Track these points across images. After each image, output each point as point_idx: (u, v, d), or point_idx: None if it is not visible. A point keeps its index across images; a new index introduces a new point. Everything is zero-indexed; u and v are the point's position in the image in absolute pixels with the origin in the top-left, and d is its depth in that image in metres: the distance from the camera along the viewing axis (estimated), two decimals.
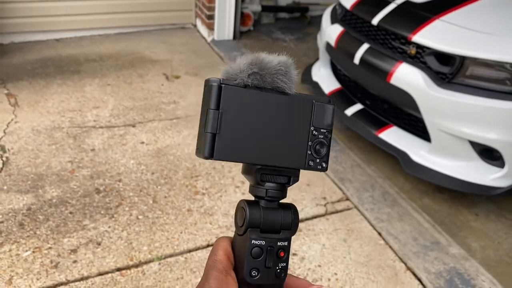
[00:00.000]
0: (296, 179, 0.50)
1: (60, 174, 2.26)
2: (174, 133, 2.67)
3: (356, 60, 2.42)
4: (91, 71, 3.40)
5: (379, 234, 2.06)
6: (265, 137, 0.47)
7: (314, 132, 0.49)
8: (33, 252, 1.81)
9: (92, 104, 2.94)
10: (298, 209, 2.32)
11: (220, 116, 0.45)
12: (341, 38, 2.61)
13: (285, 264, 0.48)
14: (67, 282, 1.69)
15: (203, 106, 0.46)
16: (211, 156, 0.45)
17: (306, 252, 1.92)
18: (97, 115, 2.81)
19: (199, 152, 0.46)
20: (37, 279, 1.68)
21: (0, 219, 1.96)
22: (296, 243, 1.96)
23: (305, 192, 2.26)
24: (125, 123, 2.75)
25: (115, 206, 2.08)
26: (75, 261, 1.78)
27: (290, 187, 0.53)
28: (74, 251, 1.83)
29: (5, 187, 2.14)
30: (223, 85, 0.45)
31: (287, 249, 0.48)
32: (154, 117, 2.84)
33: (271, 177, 0.48)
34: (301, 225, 2.06)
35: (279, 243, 0.48)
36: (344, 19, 2.72)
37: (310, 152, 0.49)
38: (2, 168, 2.28)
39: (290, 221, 0.49)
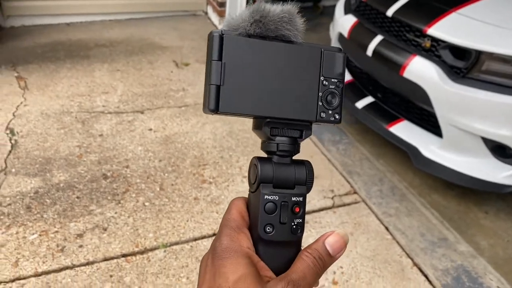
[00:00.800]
0: (309, 132, 0.48)
1: (68, 159, 2.25)
2: (183, 121, 2.66)
3: (369, 52, 2.38)
4: (101, 56, 3.39)
5: (387, 228, 2.04)
6: (273, 88, 0.45)
7: (324, 82, 0.47)
8: (40, 235, 1.81)
9: (101, 89, 2.93)
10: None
11: (223, 67, 0.43)
12: (354, 29, 2.57)
13: (301, 220, 0.47)
14: (73, 267, 1.69)
15: (207, 60, 0.45)
16: (216, 108, 0.43)
17: None
18: (106, 101, 2.81)
19: (204, 107, 0.45)
20: (43, 262, 1.69)
21: (8, 201, 1.96)
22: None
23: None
24: (133, 109, 2.74)
25: (122, 192, 2.07)
26: (81, 246, 1.78)
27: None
28: (80, 235, 1.83)
29: (13, 170, 2.15)
30: (224, 35, 0.43)
31: (302, 204, 0.47)
32: (163, 104, 2.83)
33: (282, 130, 0.47)
34: (307, 217, 2.04)
35: (293, 198, 0.46)
36: (358, 9, 2.67)
37: (321, 103, 0.47)
38: (10, 151, 2.28)
39: (304, 176, 0.47)
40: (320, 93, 0.47)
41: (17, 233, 1.81)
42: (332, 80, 0.47)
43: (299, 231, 0.47)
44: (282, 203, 0.46)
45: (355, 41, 2.54)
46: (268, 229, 0.45)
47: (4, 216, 1.88)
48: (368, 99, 2.56)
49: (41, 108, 2.66)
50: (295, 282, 0.43)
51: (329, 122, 0.47)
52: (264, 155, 0.49)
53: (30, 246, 1.75)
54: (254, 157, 0.48)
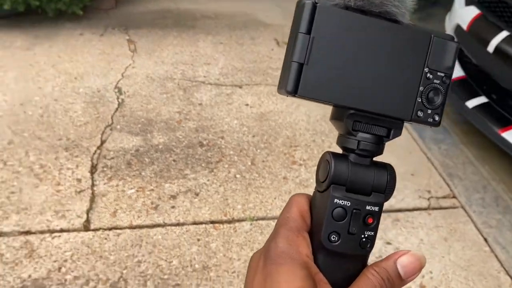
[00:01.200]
0: (398, 132, 0.41)
1: (168, 123, 2.34)
2: (278, 100, 2.65)
3: (490, 48, 2.18)
4: (206, 28, 3.46)
5: (485, 240, 1.89)
6: (365, 75, 0.38)
7: (428, 74, 0.40)
8: (137, 191, 1.91)
9: (203, 60, 3.00)
10: (399, 198, 2.23)
11: (311, 42, 0.37)
12: (475, 21, 2.36)
13: (372, 233, 0.40)
14: (164, 225, 1.76)
15: (292, 31, 0.38)
16: (295, 91, 0.38)
17: (401, 244, 1.82)
18: (207, 72, 2.87)
19: (280, 86, 0.39)
20: (138, 217, 1.78)
21: (112, 155, 2.09)
22: (392, 232, 1.87)
23: (408, 182, 2.13)
24: (232, 83, 2.78)
25: (215, 161, 2.12)
26: (173, 207, 1.85)
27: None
28: (173, 197, 1.90)
29: (118, 126, 2.28)
30: (318, 4, 0.37)
31: (377, 215, 0.40)
32: (261, 81, 2.83)
33: (367, 126, 0.40)
34: (399, 215, 1.95)
35: (368, 207, 0.40)
36: (482, 1, 2.45)
37: (420, 100, 0.40)
38: (117, 109, 2.42)
39: (385, 182, 0.40)
40: (421, 88, 0.40)
41: (117, 185, 1.92)
42: (438, 73, 0.40)
43: (368, 245, 0.40)
44: (354, 210, 0.40)
45: (475, 35, 2.34)
46: (333, 237, 0.39)
47: (107, 168, 2.00)
48: (481, 99, 2.36)
49: (147, 72, 2.79)
50: None
51: (425, 123, 0.40)
52: (339, 151, 0.42)
53: (128, 200, 1.85)
54: (327, 152, 0.41)
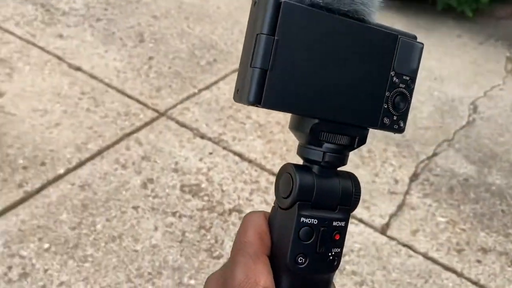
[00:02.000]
0: (363, 140, 0.37)
1: None
2: None
3: None
4: None
5: None
6: (332, 80, 0.34)
7: (394, 78, 0.36)
8: (447, 222, 1.70)
9: None
10: None
11: (275, 44, 0.31)
12: None
13: (339, 250, 0.36)
14: (461, 275, 1.52)
15: (250, 31, 0.32)
16: (258, 101, 0.32)
17: None
18: None
19: (239, 95, 0.33)
20: (436, 249, 1.59)
21: (438, 172, 1.92)
22: None
23: None
24: None
25: None
26: (478, 261, 1.57)
27: None
28: (484, 250, 1.61)
29: (457, 145, 2.07)
30: (283, 1, 0.31)
31: (344, 230, 0.37)
32: None
33: (332, 136, 0.35)
34: None
35: (335, 223, 0.36)
36: None
37: (386, 106, 0.36)
38: (464, 126, 2.19)
39: (351, 194, 0.36)
40: (387, 93, 0.36)
41: (429, 205, 1.76)
42: (404, 77, 0.37)
43: (335, 263, 0.37)
44: (322, 228, 0.35)
45: None
46: (300, 259, 0.35)
47: (427, 183, 1.86)
48: None
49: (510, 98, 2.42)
50: None
51: (391, 130, 0.37)
52: (299, 161, 0.37)
53: (434, 226, 1.68)
54: (289, 164, 0.36)
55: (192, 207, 1.57)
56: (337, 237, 0.37)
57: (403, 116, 0.38)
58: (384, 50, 0.36)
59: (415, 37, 0.38)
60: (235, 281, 0.35)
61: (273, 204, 0.38)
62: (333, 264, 0.37)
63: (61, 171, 1.63)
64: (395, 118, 0.37)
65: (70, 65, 2.15)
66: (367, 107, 0.36)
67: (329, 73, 0.34)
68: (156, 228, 1.49)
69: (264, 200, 1.65)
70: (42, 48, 2.24)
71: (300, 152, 0.38)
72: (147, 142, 1.79)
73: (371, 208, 1.71)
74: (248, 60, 0.32)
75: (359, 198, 0.38)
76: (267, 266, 0.36)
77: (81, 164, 1.67)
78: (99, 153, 1.72)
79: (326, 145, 0.36)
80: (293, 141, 1.94)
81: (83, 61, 2.18)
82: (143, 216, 1.52)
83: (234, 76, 2.19)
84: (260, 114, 2.01)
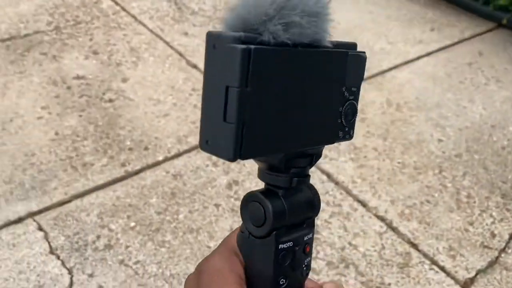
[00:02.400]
0: (319, 156, 0.38)
1: None
2: None
3: None
4: None
5: None
6: (297, 116, 0.34)
7: (345, 93, 0.37)
8: None
9: None
10: None
11: (249, 96, 0.29)
12: None
13: (309, 258, 0.39)
14: None
15: (210, 78, 0.30)
16: (238, 156, 0.30)
17: None
18: None
19: (212, 149, 0.31)
20: None
21: None
22: None
23: None
24: None
25: None
26: None
27: None
28: None
29: None
30: (252, 48, 0.28)
31: (311, 241, 0.39)
32: None
33: (297, 161, 0.36)
34: None
35: (305, 238, 0.38)
36: None
37: (340, 121, 0.37)
38: None
39: (315, 206, 0.39)
40: (341, 108, 0.37)
41: None
42: (352, 89, 0.37)
43: (308, 271, 0.39)
44: (296, 248, 0.37)
45: None
46: (282, 281, 0.37)
47: None
48: None
49: None
50: None
51: (343, 140, 0.38)
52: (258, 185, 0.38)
53: None
54: (255, 192, 0.37)
55: None
56: (308, 249, 0.39)
57: (353, 125, 0.39)
58: (336, 69, 0.36)
59: (356, 45, 0.38)
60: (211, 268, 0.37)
61: (240, 230, 0.39)
62: (306, 273, 0.40)
63: (160, 158, 1.76)
64: (347, 129, 0.38)
65: (188, 62, 2.31)
66: (328, 127, 0.37)
67: (295, 109, 0.34)
68: (231, 229, 1.54)
69: (343, 226, 1.62)
70: (167, 43, 2.44)
71: (264, 177, 0.38)
72: None
73: (457, 258, 1.58)
74: (218, 113, 0.30)
75: (320, 203, 0.40)
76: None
77: (178, 155, 1.79)
78: (196, 147, 1.83)
79: (292, 170, 0.37)
80: (387, 170, 1.87)
81: (200, 59, 2.32)
82: (222, 215, 1.58)
83: None
84: (358, 136, 1.96)
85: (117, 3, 2.81)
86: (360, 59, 0.37)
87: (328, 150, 1.88)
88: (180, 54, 2.37)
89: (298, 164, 0.37)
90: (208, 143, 0.32)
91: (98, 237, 1.45)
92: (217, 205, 1.62)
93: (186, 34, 2.54)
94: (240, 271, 0.37)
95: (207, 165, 1.76)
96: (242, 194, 1.66)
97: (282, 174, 0.37)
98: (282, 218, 0.36)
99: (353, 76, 0.37)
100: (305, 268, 0.39)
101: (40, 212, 1.51)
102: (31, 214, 1.50)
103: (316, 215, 0.40)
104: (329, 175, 1.78)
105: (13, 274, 1.34)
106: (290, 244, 0.37)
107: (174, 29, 2.57)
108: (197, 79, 2.19)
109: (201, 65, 2.29)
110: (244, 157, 0.32)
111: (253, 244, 0.37)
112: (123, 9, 2.75)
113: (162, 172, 1.71)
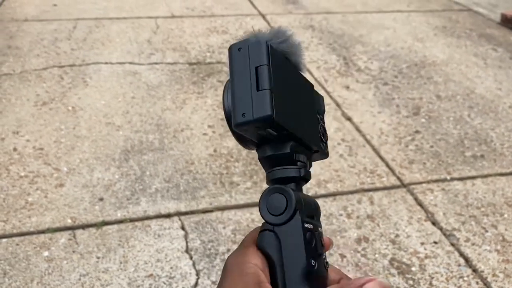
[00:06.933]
0: (311, 163, 0.45)
1: None
2: None
3: None
4: None
5: None
6: (299, 111, 0.43)
7: (319, 116, 0.47)
8: None
9: None
10: None
11: (272, 71, 0.39)
12: None
13: (325, 254, 0.42)
14: None
15: (237, 70, 0.39)
16: (274, 113, 0.38)
17: None
18: None
19: (247, 116, 0.38)
20: None
21: None
22: None
23: None
24: None
25: None
26: None
27: None
28: None
29: None
30: (270, 44, 0.40)
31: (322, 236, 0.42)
32: None
33: (302, 156, 0.43)
34: None
35: (319, 229, 0.42)
36: None
37: (319, 135, 0.46)
38: None
39: (318, 206, 0.44)
40: (320, 125, 0.46)
41: None
42: (321, 116, 0.48)
43: (327, 265, 0.42)
44: (316, 232, 0.41)
45: None
46: (313, 262, 0.39)
47: None
48: None
49: None
50: None
51: (325, 154, 0.47)
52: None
53: None
54: (274, 187, 0.41)
55: (393, 283, 1.54)
56: (322, 240, 0.42)
57: (327, 145, 0.47)
58: (311, 93, 0.47)
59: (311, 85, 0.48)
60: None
61: (260, 230, 0.41)
62: (327, 266, 0.42)
63: None
64: (324, 145, 0.46)
65: (343, 113, 2.38)
66: (315, 134, 0.46)
67: (297, 104, 0.43)
68: None
69: None
70: (328, 92, 2.56)
71: (275, 175, 0.42)
72: (378, 204, 1.84)
73: None
74: (252, 88, 0.39)
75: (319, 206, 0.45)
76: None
77: (315, 197, 1.85)
78: (334, 194, 1.86)
79: (299, 163, 0.42)
80: None
81: (355, 113, 2.39)
82: (345, 267, 1.58)
83: (496, 179, 2.02)
84: (510, 229, 1.80)
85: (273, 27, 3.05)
86: (321, 98, 0.49)
87: (473, 234, 1.75)
88: (338, 105, 2.46)
89: (301, 158, 0.43)
90: (244, 115, 0.39)
91: (228, 250, 1.56)
92: (342, 255, 1.62)
93: (347, 87, 2.63)
94: (258, 263, 0.39)
95: (341, 214, 1.78)
96: (370, 253, 1.64)
97: (292, 165, 0.42)
98: (300, 203, 0.40)
99: (320, 105, 0.48)
100: (325, 260, 0.42)
101: (186, 213, 1.69)
102: (179, 214, 1.69)
103: (319, 215, 0.43)
104: (467, 260, 1.66)
105: (152, 260, 1.51)
106: (310, 226, 0.40)
107: (337, 81, 2.70)
108: (348, 131, 2.25)
109: (356, 119, 2.35)
110: (278, 118, 0.38)
111: (279, 234, 0.40)
112: None
113: None
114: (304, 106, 0.45)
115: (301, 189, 0.43)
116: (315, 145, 0.45)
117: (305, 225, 0.40)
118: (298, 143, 0.42)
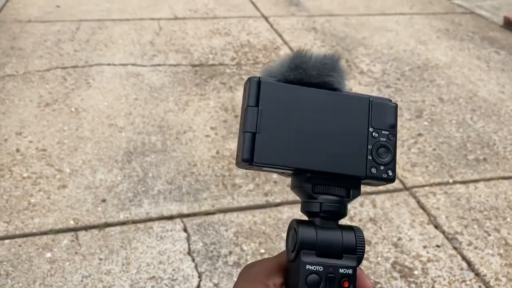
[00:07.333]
0: (357, 192, 0.42)
1: None
2: None
3: None
4: None
5: None
6: (315, 139, 0.41)
7: (374, 133, 0.42)
8: None
9: None
10: None
11: (259, 113, 0.40)
12: None
13: None
14: None
15: (242, 107, 0.41)
16: (250, 158, 0.39)
17: None
18: None
19: (238, 160, 0.40)
20: None
21: None
22: None
23: None
24: None
25: None
26: None
27: None
28: None
29: None
30: (262, 81, 0.40)
31: (352, 278, 0.39)
32: None
33: (326, 188, 0.40)
34: None
35: (341, 270, 0.39)
36: None
37: (371, 157, 0.41)
38: None
39: (354, 242, 0.40)
40: (369, 146, 0.42)
41: None
42: (383, 132, 0.43)
43: None
44: (328, 275, 0.38)
45: None
46: None
47: None
48: None
49: None
50: None
51: (381, 179, 0.42)
52: (305, 218, 0.41)
53: None
54: (293, 220, 0.41)
55: (396, 286, 1.54)
56: (346, 284, 0.39)
57: (391, 166, 0.42)
58: (359, 111, 0.42)
59: (389, 100, 0.44)
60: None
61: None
62: None
63: None
64: (382, 168, 0.42)
65: None
66: (352, 159, 0.41)
67: (311, 133, 0.41)
68: None
69: None
70: None
71: (302, 208, 0.42)
72: (381, 207, 1.84)
73: None
74: (241, 127, 0.40)
75: (364, 247, 0.40)
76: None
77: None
78: None
79: (321, 196, 0.41)
80: None
81: None
82: None
83: (499, 182, 2.01)
84: None
85: (293, 51, 3.05)
86: (387, 107, 0.43)
87: (475, 238, 1.75)
88: None
89: (327, 190, 0.41)
90: (237, 158, 0.41)
91: (230, 253, 1.56)
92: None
93: (350, 90, 2.64)
94: (274, 281, 0.39)
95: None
96: (372, 256, 1.63)
97: (312, 199, 0.41)
98: (311, 242, 0.39)
99: (381, 120, 0.43)
100: None
101: (188, 215, 1.69)
102: (181, 216, 1.69)
103: (359, 260, 0.40)
104: (470, 264, 1.65)
105: (154, 262, 1.51)
106: (319, 268, 0.39)
107: None
108: None
109: None
110: (257, 161, 0.39)
111: (289, 269, 0.41)
112: None
113: (299, 211, 1.78)
114: (330, 131, 0.41)
115: (335, 224, 0.41)
116: (352, 171, 0.41)
117: (310, 267, 0.39)
118: (317, 174, 0.41)
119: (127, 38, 3.07)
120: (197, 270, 1.49)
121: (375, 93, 2.60)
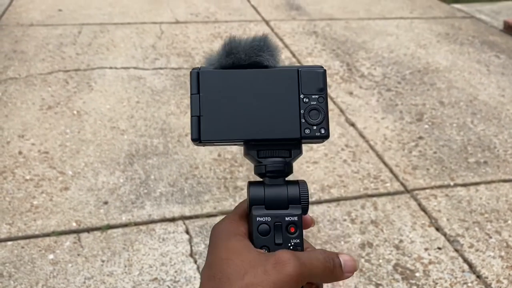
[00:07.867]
0: (298, 151, 0.47)
1: None
2: None
3: None
4: None
5: None
6: (252, 113, 0.47)
7: (304, 99, 0.47)
8: None
9: None
10: None
11: (200, 99, 0.46)
12: None
13: (298, 241, 0.45)
14: None
15: (190, 95, 0.47)
16: (198, 138, 0.46)
17: None
18: None
19: (191, 139, 0.47)
20: None
21: None
22: None
23: None
24: None
25: None
26: None
27: None
28: None
29: None
30: (200, 71, 0.47)
31: (298, 224, 0.46)
32: None
33: (269, 152, 0.47)
34: None
35: (287, 218, 0.46)
36: None
37: (304, 120, 0.47)
38: None
39: (298, 194, 0.46)
40: (302, 111, 0.47)
41: None
42: (313, 96, 0.48)
43: (300, 248, 0.45)
44: (275, 224, 0.45)
45: None
46: (264, 250, 0.44)
47: None
48: None
49: None
50: (303, 261, 0.41)
51: (315, 137, 0.47)
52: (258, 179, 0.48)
53: None
54: (248, 182, 0.48)
55: None
56: (292, 229, 0.45)
57: (323, 125, 0.47)
58: (289, 81, 0.47)
59: (319, 67, 0.48)
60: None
61: None
62: (299, 249, 0.46)
63: None
64: (314, 127, 0.47)
65: (347, 119, 2.39)
66: (287, 124, 0.47)
67: (248, 109, 0.47)
68: (355, 287, 1.53)
69: None
70: (331, 98, 2.57)
71: (254, 171, 0.48)
72: (382, 209, 1.84)
73: None
74: (190, 112, 0.47)
75: (308, 198, 0.46)
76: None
77: (318, 202, 1.85)
78: (337, 200, 1.87)
79: (266, 159, 0.47)
80: None
81: (359, 119, 2.40)
82: None
83: (499, 185, 2.02)
84: None
85: (294, 55, 3.07)
86: (315, 73, 0.48)
87: (477, 240, 1.75)
88: (341, 111, 2.47)
89: (271, 154, 0.47)
90: (191, 137, 0.48)
91: None
92: None
93: (351, 93, 2.64)
94: (245, 231, 0.45)
95: (345, 220, 1.78)
96: (374, 258, 1.64)
97: (258, 163, 0.47)
98: (259, 199, 0.46)
99: (310, 86, 0.48)
100: (291, 248, 0.45)
101: (190, 217, 1.70)
102: (183, 218, 1.69)
103: (304, 209, 0.46)
104: (471, 266, 1.66)
105: (156, 264, 1.51)
106: (267, 218, 0.45)
107: (340, 87, 2.71)
108: (352, 137, 2.26)
109: (360, 124, 2.36)
110: (204, 139, 0.46)
111: (248, 220, 0.47)
112: (299, 62, 2.99)
113: None
114: (265, 104, 0.47)
115: (282, 180, 0.47)
116: (288, 134, 0.47)
117: (260, 218, 0.45)
118: (258, 142, 0.47)
119: (129, 41, 3.08)
120: (199, 272, 1.49)
121: (375, 97, 2.61)
